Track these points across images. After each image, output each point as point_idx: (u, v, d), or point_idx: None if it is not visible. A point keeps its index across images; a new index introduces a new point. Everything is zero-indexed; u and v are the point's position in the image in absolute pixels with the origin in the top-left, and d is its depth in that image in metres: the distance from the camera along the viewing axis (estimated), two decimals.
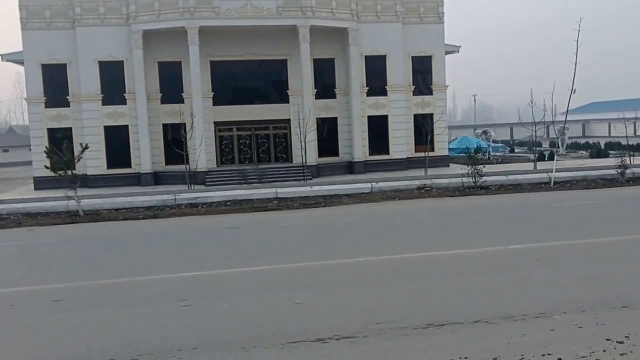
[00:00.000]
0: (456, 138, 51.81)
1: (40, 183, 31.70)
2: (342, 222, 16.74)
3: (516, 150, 48.80)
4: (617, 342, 6.86)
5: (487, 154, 40.92)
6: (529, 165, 30.99)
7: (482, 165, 24.37)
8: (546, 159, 35.69)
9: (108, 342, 7.41)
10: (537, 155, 34.58)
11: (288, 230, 16.06)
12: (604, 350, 6.63)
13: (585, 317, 7.77)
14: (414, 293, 9.18)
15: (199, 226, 17.32)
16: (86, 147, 21.59)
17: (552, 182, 24.04)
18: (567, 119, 29.94)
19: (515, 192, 22.59)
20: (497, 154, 44.22)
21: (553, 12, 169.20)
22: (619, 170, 24.53)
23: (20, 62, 34.09)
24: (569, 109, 26.11)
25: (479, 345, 6.91)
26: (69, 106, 33.47)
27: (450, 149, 39.67)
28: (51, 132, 32.39)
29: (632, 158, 28.31)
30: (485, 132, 44.01)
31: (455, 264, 11.07)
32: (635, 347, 6.71)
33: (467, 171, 23.81)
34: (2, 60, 34.77)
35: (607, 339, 6.95)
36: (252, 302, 8.96)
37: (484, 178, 23.88)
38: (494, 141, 46.03)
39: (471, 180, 23.57)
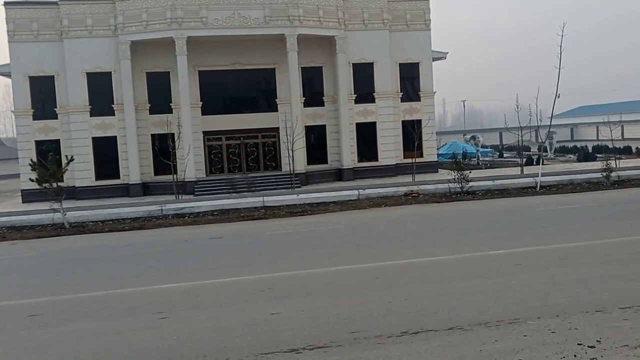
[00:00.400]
0: (446, 144, 52.01)
1: (28, 196, 31.52)
2: (326, 230, 16.77)
3: (505, 155, 48.98)
4: (588, 346, 6.90)
5: (476, 159, 41.08)
6: (517, 170, 31.14)
7: (469, 171, 24.44)
8: (534, 163, 35.85)
9: (81, 357, 7.38)
10: (525, 159, 34.79)
11: (272, 239, 16.06)
12: (575, 355, 6.67)
13: (559, 322, 7.81)
14: (391, 301, 9.20)
15: (184, 237, 17.30)
16: (71, 159, 21.54)
17: (538, 187, 24.18)
18: (556, 123, 30.23)
19: (501, 197, 22.70)
20: (486, 159, 44.41)
21: (545, 17, 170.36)
22: (604, 174, 24.68)
23: (8, 75, 34.00)
24: (553, 113, 26.28)
25: (451, 353, 6.93)
26: (56, 118, 33.37)
27: (439, 155, 39.83)
28: (39, 144, 32.31)
29: (617, 161, 28.49)
30: (474, 138, 44.21)
31: (436, 271, 11.11)
32: (605, 351, 6.75)
33: (453, 177, 23.90)
34: None
35: (578, 344, 6.99)
36: (229, 312, 8.95)
37: (471, 183, 23.98)
38: (483, 146, 46.22)
39: (458, 186, 23.67)
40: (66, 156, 21.99)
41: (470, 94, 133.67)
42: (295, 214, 21.25)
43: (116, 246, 16.33)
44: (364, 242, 14.60)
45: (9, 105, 69.47)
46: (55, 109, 33.29)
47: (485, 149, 49.09)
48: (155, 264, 13.06)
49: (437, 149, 40.85)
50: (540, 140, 33.79)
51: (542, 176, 24.73)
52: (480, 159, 42.36)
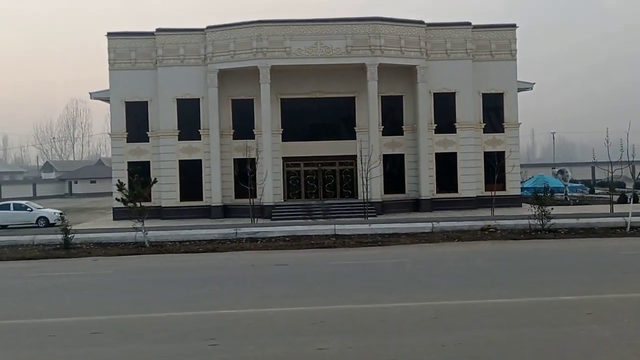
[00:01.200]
0: (532, 177, 49.87)
1: (118, 214, 33.29)
2: (392, 264, 16.47)
3: (596, 191, 46.23)
4: None
5: (563, 194, 39.07)
6: (607, 208, 29.28)
7: (551, 207, 23.22)
8: (629, 201, 33.55)
9: None
10: (618, 197, 32.66)
11: (336, 269, 16.00)
12: None
13: None
14: (445, 344, 8.84)
15: (251, 262, 17.63)
16: (154, 181, 22.73)
17: (628, 227, 22.53)
18: None
19: (586, 237, 21.35)
20: (575, 194, 42.11)
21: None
22: None
23: (106, 100, 36.58)
24: None
25: None
26: (148, 141, 35.37)
27: (524, 189, 38.31)
28: (131, 165, 34.26)
29: None
30: (561, 172, 42.08)
31: (498, 315, 10.56)
32: None
33: (534, 213, 22.82)
34: (90, 97, 37.53)
35: None
36: (277, 344, 8.96)
37: (553, 220, 22.74)
38: (572, 180, 43.86)
39: (538, 223, 22.55)
40: (149, 178, 23.18)
41: (561, 126, 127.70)
42: (365, 244, 21.07)
43: (186, 268, 16.91)
44: (428, 279, 14.20)
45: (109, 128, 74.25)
46: (147, 133, 35.31)
47: (575, 184, 46.59)
48: (218, 289, 13.37)
49: (522, 182, 39.30)
50: (635, 177, 31.60)
51: (633, 216, 23.04)
52: (568, 194, 40.23)
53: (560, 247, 19.31)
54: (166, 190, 34.18)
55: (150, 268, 17.22)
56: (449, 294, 12.28)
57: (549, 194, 24.82)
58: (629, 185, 43.66)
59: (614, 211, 27.35)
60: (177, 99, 34.85)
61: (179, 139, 34.99)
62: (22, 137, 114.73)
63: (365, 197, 30.31)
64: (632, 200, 25.67)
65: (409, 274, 15.12)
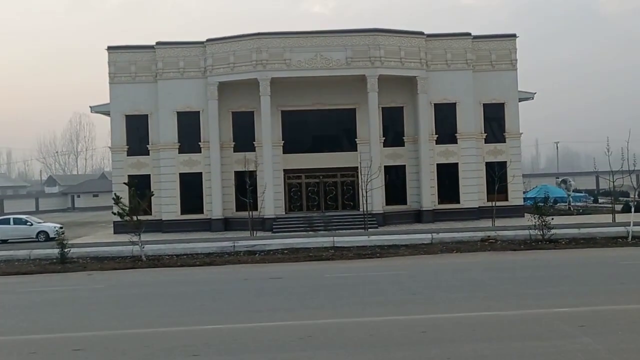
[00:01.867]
0: (536, 187, 49.54)
1: (119, 227, 32.99)
2: (388, 276, 16.26)
3: (600, 201, 45.86)
4: None
5: (566, 204, 38.74)
6: (610, 218, 28.95)
7: (551, 217, 22.97)
8: (633, 210, 33.13)
9: None
10: (622, 206, 32.30)
11: (330, 282, 15.80)
12: None
13: None
14: (432, 358, 8.65)
15: (246, 275, 17.47)
16: (151, 195, 22.64)
17: (630, 237, 22.24)
18: None
19: (587, 247, 21.09)
20: (579, 204, 41.76)
21: None
22: None
23: (107, 114, 36.60)
24: None
25: None
26: (148, 154, 35.32)
27: (527, 199, 37.96)
28: (131, 178, 34.18)
29: None
30: (565, 181, 41.76)
31: (489, 327, 10.35)
32: None
33: (534, 223, 22.58)
34: (91, 111, 37.63)
35: None
36: (261, 359, 8.79)
37: (554, 231, 22.50)
38: (575, 190, 43.51)
39: (539, 233, 22.30)
40: (145, 191, 23.11)
41: (566, 136, 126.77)
42: (364, 256, 20.88)
43: (180, 282, 16.77)
44: (422, 291, 13.99)
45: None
46: (147, 146, 35.26)
47: (579, 194, 46.25)
48: (208, 303, 13.22)
49: (525, 192, 39.03)
50: (638, 186, 31.15)
51: (634, 225, 22.76)
52: (572, 204, 39.90)
53: (560, 257, 19.06)
54: (167, 203, 34.10)
55: (144, 282, 17.09)
56: (441, 306, 12.08)
57: (549, 204, 24.53)
58: (633, 195, 43.19)
59: (617, 221, 27.02)
60: (177, 112, 34.84)
61: (179, 152, 34.92)
62: (25, 151, 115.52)
63: (366, 209, 30.11)
64: (634, 210, 25.35)
65: (404, 286, 14.90)
